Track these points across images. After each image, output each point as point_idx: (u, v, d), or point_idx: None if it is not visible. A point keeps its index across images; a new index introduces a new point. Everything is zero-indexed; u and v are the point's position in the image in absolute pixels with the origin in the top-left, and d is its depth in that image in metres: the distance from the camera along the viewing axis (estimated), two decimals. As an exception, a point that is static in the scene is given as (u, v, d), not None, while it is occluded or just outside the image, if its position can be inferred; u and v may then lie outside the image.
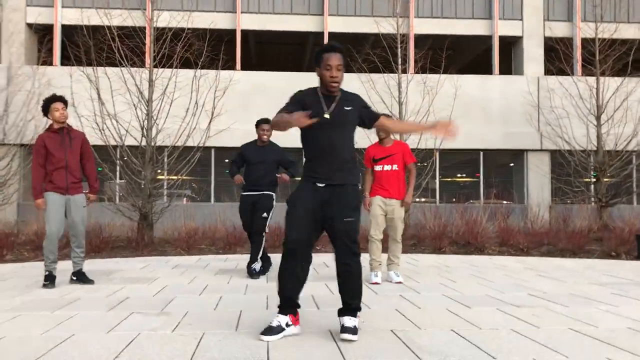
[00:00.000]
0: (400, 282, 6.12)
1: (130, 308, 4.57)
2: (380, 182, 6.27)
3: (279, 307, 3.67)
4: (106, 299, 5.03)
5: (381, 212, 6.23)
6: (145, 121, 11.02)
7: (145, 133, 10.97)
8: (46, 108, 5.99)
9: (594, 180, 15.21)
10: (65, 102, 6.03)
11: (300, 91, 3.87)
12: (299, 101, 3.79)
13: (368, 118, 3.89)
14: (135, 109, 10.99)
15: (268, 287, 5.81)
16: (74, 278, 6.06)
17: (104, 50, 11.30)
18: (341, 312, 3.68)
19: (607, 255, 9.38)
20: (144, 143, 11.01)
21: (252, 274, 6.49)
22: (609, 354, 3.24)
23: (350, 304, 3.67)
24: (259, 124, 6.80)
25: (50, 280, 5.78)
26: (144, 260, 8.51)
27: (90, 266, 7.61)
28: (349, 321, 3.59)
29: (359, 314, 3.75)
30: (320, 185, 3.71)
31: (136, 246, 10.01)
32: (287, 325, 3.63)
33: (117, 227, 11.82)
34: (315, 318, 4.22)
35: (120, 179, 13.42)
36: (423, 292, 5.49)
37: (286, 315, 3.64)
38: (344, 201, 3.67)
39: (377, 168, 6.30)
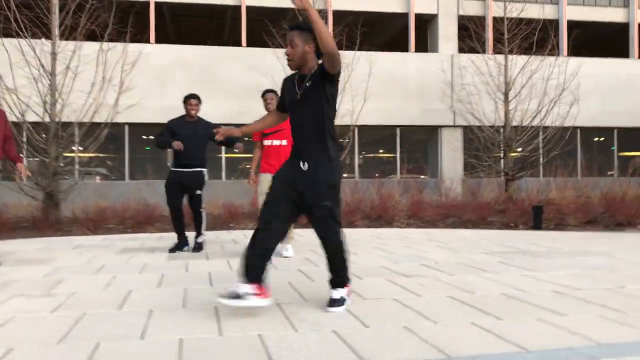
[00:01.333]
0: (288, 257, 6.11)
1: (15, 290, 4.41)
2: (268, 158, 6.19)
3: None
4: (34, 282, 4.82)
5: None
6: (49, 96, 10.52)
7: (48, 109, 10.48)
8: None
9: (502, 155, 15.91)
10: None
11: (285, 78, 3.95)
12: (282, 89, 3.94)
13: (320, 67, 3.67)
14: (37, 83, 10.46)
15: (167, 265, 5.75)
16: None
17: (0, 21, 10.64)
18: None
19: (506, 226, 9.90)
20: (47, 119, 10.52)
21: (194, 248, 6.77)
22: (476, 319, 3.44)
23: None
24: (187, 99, 6.72)
25: None
26: (45, 241, 8.21)
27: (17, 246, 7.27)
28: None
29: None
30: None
31: (40, 226, 9.63)
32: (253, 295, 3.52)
33: (24, 207, 11.30)
34: (204, 294, 4.23)
35: (27, 157, 12.79)
36: (321, 265, 5.60)
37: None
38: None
39: (266, 143, 6.21)
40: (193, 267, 5.59)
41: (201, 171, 6.73)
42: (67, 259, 6.25)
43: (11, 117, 10.32)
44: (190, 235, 7.03)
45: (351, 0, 18.20)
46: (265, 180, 6.11)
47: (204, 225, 6.84)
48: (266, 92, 6.64)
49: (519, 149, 16.00)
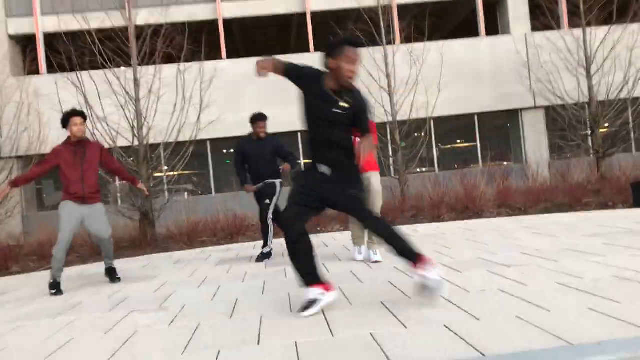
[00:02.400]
0: (378, 262, 5.73)
1: (129, 307, 4.67)
2: None
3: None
4: (107, 300, 5.13)
5: None
6: (135, 120, 11.07)
7: (136, 132, 11.03)
8: (65, 121, 6.14)
9: (590, 132, 15.18)
10: (84, 117, 6.20)
11: (310, 68, 3.93)
12: (306, 73, 3.90)
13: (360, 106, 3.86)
14: (124, 109, 11.03)
15: (266, 272, 5.90)
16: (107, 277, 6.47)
17: (86, 55, 11.30)
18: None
19: (604, 206, 9.44)
20: (136, 143, 11.06)
21: (258, 257, 6.89)
22: (591, 304, 3.31)
23: None
24: (255, 120, 6.87)
25: (56, 287, 5.88)
26: (147, 259, 8.63)
27: (94, 269, 7.74)
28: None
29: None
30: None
31: (139, 245, 10.14)
32: (322, 294, 3.75)
33: (122, 228, 11.93)
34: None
35: (121, 181, 13.50)
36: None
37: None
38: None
39: None
40: (291, 272, 5.70)
41: (273, 182, 6.92)
42: (171, 273, 6.54)
43: (104, 144, 10.95)
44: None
45: (415, -8, 17.98)
46: None
47: (270, 236, 6.94)
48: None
49: (607, 125, 15.21)
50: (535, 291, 3.78)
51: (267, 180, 6.91)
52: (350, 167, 3.83)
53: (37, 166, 6.12)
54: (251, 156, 6.90)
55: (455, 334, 2.99)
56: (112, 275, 6.38)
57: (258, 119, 6.86)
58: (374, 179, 5.82)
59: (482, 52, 17.66)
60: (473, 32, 19.31)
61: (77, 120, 6.06)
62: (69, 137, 6.13)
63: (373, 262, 5.77)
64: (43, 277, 7.43)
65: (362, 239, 6.12)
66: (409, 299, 3.92)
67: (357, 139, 3.98)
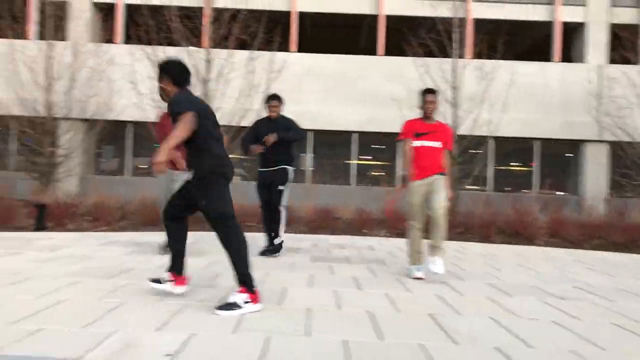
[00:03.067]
0: (438, 273, 5.29)
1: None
2: (421, 159, 5.44)
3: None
4: (157, 270, 5.28)
5: (420, 200, 5.42)
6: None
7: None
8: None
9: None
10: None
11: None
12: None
13: None
14: (193, 88, 11.28)
15: (312, 265, 5.94)
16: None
17: (164, 30, 11.61)
18: None
19: (662, 251, 9.10)
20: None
21: (270, 250, 6.63)
22: (649, 350, 3.22)
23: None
24: (268, 100, 6.73)
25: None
26: (195, 235, 8.81)
27: (145, 238, 7.96)
28: None
29: None
30: None
31: (192, 219, 10.33)
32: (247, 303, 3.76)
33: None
34: (355, 297, 4.33)
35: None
36: (467, 279, 5.50)
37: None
38: None
39: (417, 144, 5.48)
40: (337, 270, 5.73)
41: (285, 168, 6.67)
42: (219, 253, 6.67)
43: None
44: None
45: (492, 8, 17.69)
46: (415, 189, 5.44)
47: (282, 226, 6.69)
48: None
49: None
50: (588, 327, 3.69)
51: (278, 166, 6.64)
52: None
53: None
54: (260, 135, 6.60)
55: (507, 356, 2.96)
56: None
57: (271, 98, 6.71)
58: (441, 182, 5.40)
59: (553, 77, 17.23)
60: (545, 56, 18.87)
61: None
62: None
63: (433, 273, 5.27)
64: (96, 238, 7.69)
65: (421, 255, 5.50)
66: (459, 315, 3.89)
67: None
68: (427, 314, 3.90)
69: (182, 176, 6.56)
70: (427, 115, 5.50)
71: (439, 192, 5.36)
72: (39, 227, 8.78)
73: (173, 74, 4.05)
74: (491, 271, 6.11)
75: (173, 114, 3.84)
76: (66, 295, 4.02)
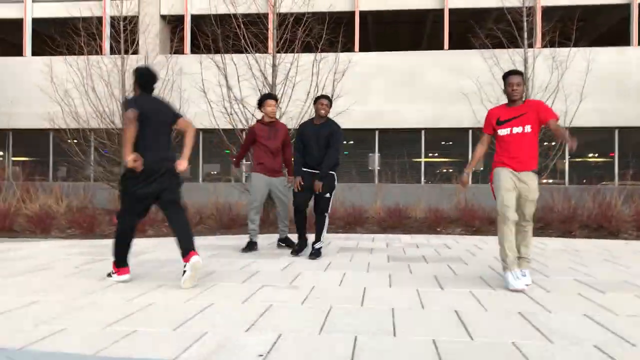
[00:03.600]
0: (527, 285, 4.68)
1: (262, 281, 4.85)
2: (509, 149, 4.78)
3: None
4: (240, 272, 5.37)
5: (513, 186, 4.72)
6: (270, 105, 11.44)
7: (269, 116, 11.39)
8: (261, 102, 7.00)
9: None
10: (276, 100, 7.06)
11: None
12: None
13: None
14: (260, 93, 11.44)
15: (389, 265, 5.88)
16: (282, 244, 7.39)
17: (230, 38, 11.84)
18: None
19: None
20: (267, 125, 11.43)
21: (311, 253, 6.43)
22: None
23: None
24: (318, 99, 6.49)
25: (249, 246, 6.97)
26: (271, 237, 8.92)
27: (223, 242, 8.13)
28: None
29: None
30: None
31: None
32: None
33: (245, 206, 12.47)
34: (439, 296, 4.24)
35: (247, 160, 14.06)
36: (552, 275, 5.29)
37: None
38: None
39: (502, 132, 4.82)
40: (416, 269, 5.64)
41: (332, 174, 6.46)
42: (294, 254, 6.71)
43: (238, 125, 11.44)
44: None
45: (562, -6, 17.00)
46: (504, 174, 4.76)
47: (324, 231, 6.50)
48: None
49: None
50: (696, 325, 3.45)
51: (322, 171, 6.35)
52: None
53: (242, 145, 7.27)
54: (306, 138, 6.48)
55: (610, 356, 2.80)
56: (287, 242, 7.33)
57: (321, 97, 6.50)
58: (535, 184, 4.82)
59: (632, 63, 16.37)
60: (622, 40, 17.95)
61: (271, 102, 6.94)
62: (262, 117, 7.03)
63: (519, 289, 4.51)
64: (174, 243, 7.91)
65: (516, 260, 4.72)
66: (549, 312, 3.73)
67: None
68: (516, 312, 3.76)
69: (278, 181, 7.03)
70: (512, 99, 4.80)
71: (531, 196, 4.74)
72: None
73: (137, 79, 4.80)
74: (577, 267, 5.84)
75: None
76: (154, 298, 4.14)
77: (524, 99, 4.89)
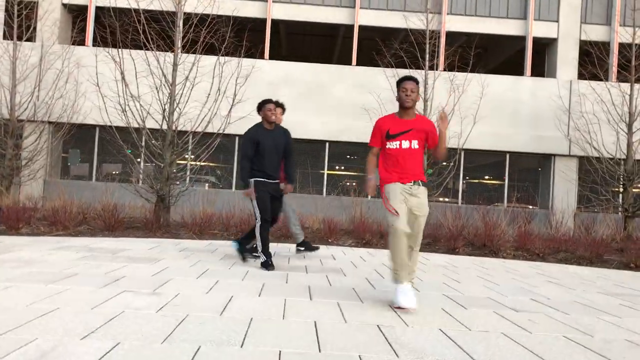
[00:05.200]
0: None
1: (124, 286, 4.59)
2: (398, 163, 4.62)
3: None
4: (103, 276, 5.06)
5: (404, 199, 4.54)
6: (167, 104, 11.09)
7: (166, 116, 11.04)
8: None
9: (622, 189, 14.78)
10: (277, 105, 6.92)
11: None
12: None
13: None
14: (158, 92, 11.06)
15: (268, 274, 5.77)
16: (301, 248, 7.53)
17: (130, 33, 11.38)
18: None
19: (625, 266, 9.11)
20: (164, 126, 11.07)
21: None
22: (597, 365, 3.11)
23: None
24: (265, 103, 6.34)
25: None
26: (155, 242, 8.57)
27: (100, 244, 7.70)
28: None
29: None
30: None
31: (150, 228, 10.09)
32: None
33: (137, 208, 11.96)
34: (305, 307, 4.17)
35: (145, 161, 13.55)
36: (423, 290, 5.38)
37: None
38: None
39: (391, 146, 4.65)
40: (292, 279, 5.56)
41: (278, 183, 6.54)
42: (174, 260, 6.46)
43: (133, 123, 10.98)
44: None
45: (465, 21, 17.81)
46: (395, 190, 4.58)
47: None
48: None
49: (641, 185, 14.80)
50: (540, 341, 3.58)
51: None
52: None
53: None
54: (265, 147, 6.27)
55: (448, 371, 2.82)
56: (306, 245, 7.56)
57: (268, 101, 6.35)
58: (424, 196, 4.68)
59: (524, 91, 17.38)
60: (518, 70, 19.05)
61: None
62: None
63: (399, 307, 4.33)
64: (48, 242, 7.42)
65: (408, 270, 4.47)
66: (405, 326, 3.75)
67: None
68: (375, 324, 3.75)
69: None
70: (405, 106, 4.61)
71: (422, 211, 4.57)
72: (-10, 230, 8.46)
73: None
74: (450, 282, 6.00)
75: None
76: (-6, 300, 3.79)
77: (416, 112, 4.79)
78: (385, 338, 3.42)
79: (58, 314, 3.51)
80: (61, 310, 3.60)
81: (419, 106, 13.81)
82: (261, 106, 6.41)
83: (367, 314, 4.11)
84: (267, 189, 6.29)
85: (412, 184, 4.58)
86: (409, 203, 4.55)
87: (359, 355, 3.00)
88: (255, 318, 3.71)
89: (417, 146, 4.64)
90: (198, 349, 2.93)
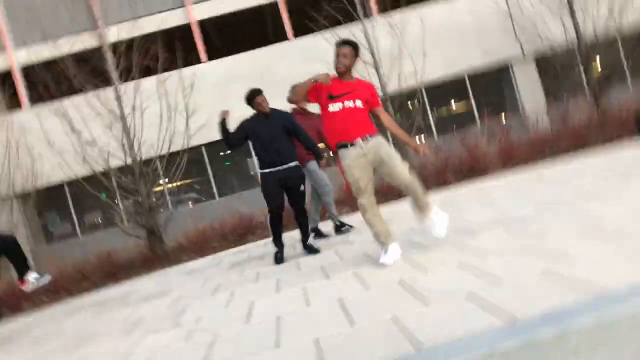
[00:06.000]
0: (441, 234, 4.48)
1: (145, 327, 4.52)
2: (343, 125, 4.47)
3: None
4: (122, 323, 4.98)
5: (360, 169, 4.43)
6: (124, 138, 10.88)
7: (127, 150, 10.84)
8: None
9: (584, 73, 14.91)
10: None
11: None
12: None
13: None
14: (111, 129, 10.84)
15: (279, 269, 5.73)
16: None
17: (63, 82, 11.09)
18: None
19: (609, 141, 9.24)
20: (129, 160, 10.88)
21: (312, 250, 6.14)
22: (616, 249, 3.14)
23: None
24: (255, 95, 6.18)
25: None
26: (160, 274, 8.50)
27: (106, 294, 7.61)
28: None
29: None
30: None
31: (150, 262, 9.99)
32: None
33: (130, 248, 11.80)
34: (325, 288, 4.14)
35: (122, 201, 13.35)
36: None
37: None
38: None
39: (333, 108, 4.51)
40: (304, 263, 5.53)
41: (298, 165, 6.17)
42: (184, 286, 6.39)
43: (97, 168, 10.75)
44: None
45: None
46: (347, 159, 4.47)
47: (310, 225, 6.40)
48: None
49: (600, 68, 14.96)
50: (557, 245, 3.60)
51: (289, 164, 6.06)
52: None
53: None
54: (263, 137, 6.05)
55: (478, 304, 2.82)
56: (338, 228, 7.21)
57: (257, 93, 6.16)
58: (384, 147, 4.48)
59: (462, 11, 17.33)
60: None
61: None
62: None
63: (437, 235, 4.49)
64: (55, 313, 7.31)
65: (389, 233, 4.54)
66: (426, 274, 3.75)
67: None
68: (397, 282, 3.74)
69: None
70: (339, 72, 4.55)
71: (391, 159, 4.39)
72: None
73: None
74: (454, 214, 6.01)
75: None
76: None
77: (354, 76, 4.68)
78: (410, 291, 3.40)
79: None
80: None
81: (368, 57, 13.70)
82: (250, 100, 6.19)
83: (384, 273, 4.10)
84: (275, 177, 6.02)
85: (361, 140, 4.41)
86: (368, 161, 4.41)
87: (392, 316, 2.98)
88: (282, 315, 3.68)
89: (361, 105, 4.49)
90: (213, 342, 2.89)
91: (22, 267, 5.66)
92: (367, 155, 4.42)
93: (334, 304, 3.58)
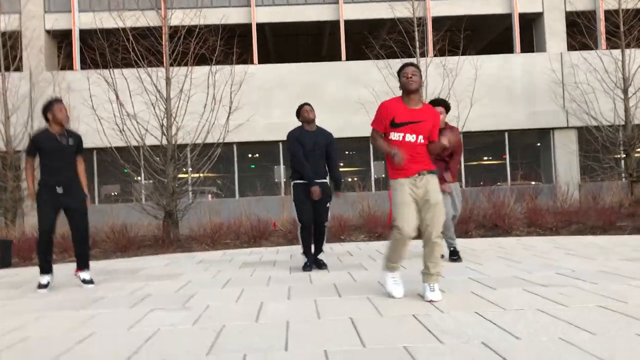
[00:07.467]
0: (434, 301, 4.19)
1: (152, 304, 4.57)
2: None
3: None
4: (130, 296, 5.04)
5: (412, 197, 4.28)
6: (165, 120, 11.07)
7: (165, 131, 11.02)
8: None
9: (624, 155, 14.81)
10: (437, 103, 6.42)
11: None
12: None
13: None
14: (154, 108, 11.04)
15: (291, 277, 5.76)
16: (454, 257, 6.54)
17: (119, 52, 11.36)
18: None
19: (639, 231, 9.13)
20: (164, 142, 11.05)
21: (320, 265, 6.28)
22: (638, 329, 3.11)
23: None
24: (303, 105, 6.30)
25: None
26: (169, 257, 8.56)
27: (116, 265, 7.69)
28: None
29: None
30: None
31: (162, 244, 10.09)
32: None
33: (145, 227, 11.92)
34: (337, 305, 4.16)
35: (145, 179, 13.53)
36: (448, 275, 5.38)
37: None
38: None
39: (394, 137, 4.35)
40: (316, 279, 5.56)
41: (327, 182, 6.34)
42: (194, 273, 6.44)
43: (132, 142, 10.94)
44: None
45: (450, 4, 17.81)
46: (401, 186, 4.30)
47: (325, 240, 6.46)
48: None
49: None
50: (576, 313, 3.58)
51: (323, 180, 6.24)
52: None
53: None
54: (306, 147, 6.16)
55: (497, 353, 2.82)
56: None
57: (304, 104, 6.32)
58: (437, 186, 4.37)
59: (516, 69, 17.40)
60: (508, 48, 19.06)
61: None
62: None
63: (428, 301, 4.19)
64: (65, 269, 7.40)
65: (399, 262, 4.49)
66: (441, 313, 3.75)
67: None
68: (411, 314, 3.74)
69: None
70: (409, 89, 4.27)
71: (433, 198, 4.24)
72: (4, 264, 8.43)
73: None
74: (472, 265, 6.00)
75: None
76: (29, 332, 3.77)
77: (422, 99, 4.62)
78: (425, 326, 3.41)
79: (97, 338, 3.50)
80: (99, 335, 3.59)
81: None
82: (299, 110, 6.35)
83: (399, 305, 4.10)
84: (307, 189, 6.10)
85: (417, 175, 4.27)
86: (417, 195, 4.27)
87: (405, 347, 2.99)
88: (292, 321, 3.71)
89: (422, 141, 4.31)
90: (244, 358, 2.92)
91: (87, 261, 6.00)
92: (417, 187, 4.29)
93: (346, 322, 3.60)
